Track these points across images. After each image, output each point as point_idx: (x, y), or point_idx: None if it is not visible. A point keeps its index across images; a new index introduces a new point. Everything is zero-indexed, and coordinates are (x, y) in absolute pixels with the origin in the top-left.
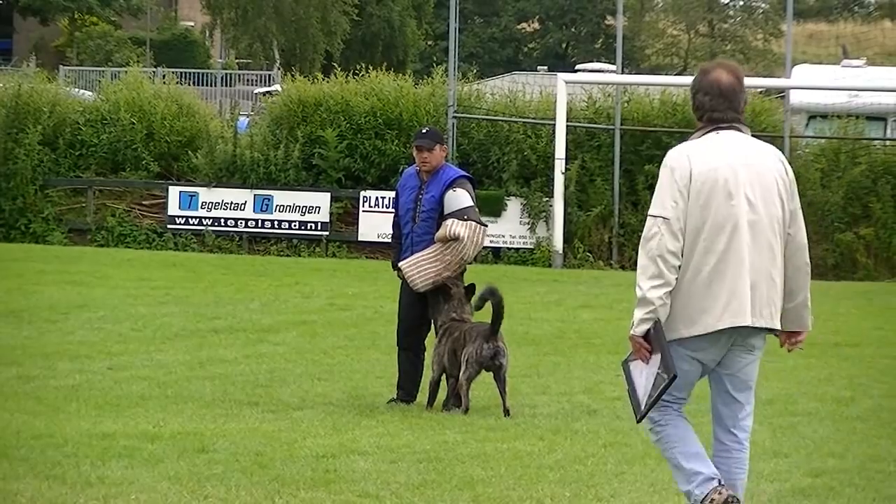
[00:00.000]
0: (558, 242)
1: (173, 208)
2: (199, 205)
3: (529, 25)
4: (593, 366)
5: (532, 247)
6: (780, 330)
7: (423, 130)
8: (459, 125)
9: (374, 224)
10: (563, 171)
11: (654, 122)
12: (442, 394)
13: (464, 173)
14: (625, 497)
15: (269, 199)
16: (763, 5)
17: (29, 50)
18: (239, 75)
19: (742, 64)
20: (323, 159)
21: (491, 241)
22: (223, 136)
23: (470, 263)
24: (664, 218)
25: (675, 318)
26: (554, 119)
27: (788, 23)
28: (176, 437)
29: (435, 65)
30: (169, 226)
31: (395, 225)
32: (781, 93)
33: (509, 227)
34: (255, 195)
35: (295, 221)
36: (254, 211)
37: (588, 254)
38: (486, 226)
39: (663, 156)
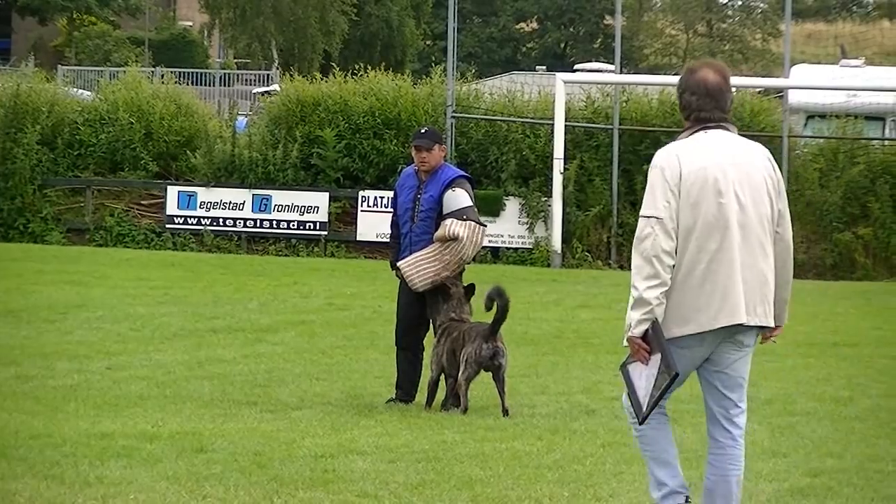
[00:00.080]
0: (557, 242)
1: (172, 208)
2: (198, 204)
3: (528, 25)
4: (592, 366)
5: (531, 246)
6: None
7: (422, 130)
8: (458, 125)
9: (373, 224)
10: (562, 170)
11: (653, 122)
12: (441, 394)
13: (462, 173)
14: (623, 497)
15: (267, 199)
16: (761, 5)
17: (27, 50)
18: (237, 75)
19: (740, 64)
20: (321, 159)
21: (490, 241)
22: (222, 136)
23: (469, 263)
24: (657, 218)
25: (667, 317)
26: (552, 119)
27: (787, 22)
28: (174, 436)
29: (433, 64)
30: (167, 225)
31: (394, 224)
32: (780, 92)
33: (508, 227)
34: (253, 195)
35: (293, 221)
36: (252, 211)
37: (587, 253)
38: (485, 226)
39: None
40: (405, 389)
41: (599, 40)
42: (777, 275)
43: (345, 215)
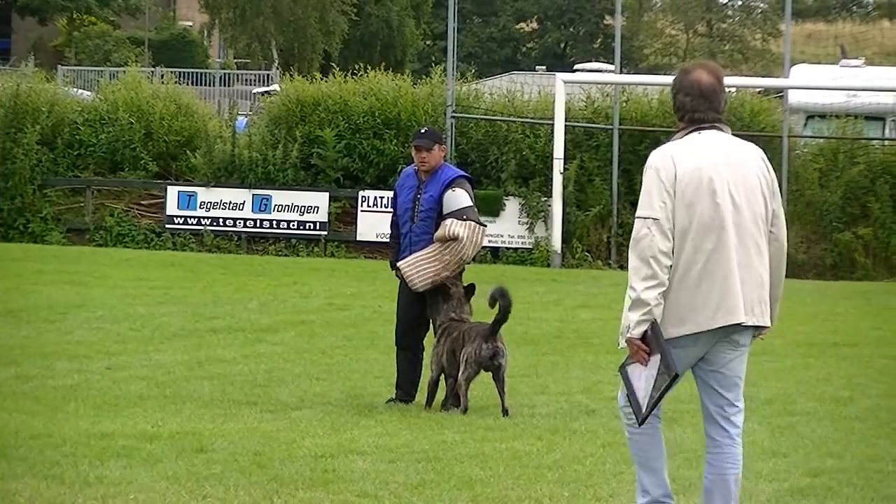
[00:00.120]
0: (557, 242)
1: (172, 208)
2: (198, 204)
3: (528, 25)
4: (592, 365)
5: (531, 246)
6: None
7: (422, 130)
8: (458, 125)
9: (373, 224)
10: (562, 170)
11: (653, 122)
12: (441, 393)
13: (462, 173)
14: (623, 497)
15: (267, 199)
16: (761, 5)
17: (27, 50)
18: (237, 75)
19: (740, 64)
20: (321, 159)
21: (489, 241)
22: (221, 136)
23: (469, 263)
24: (654, 219)
25: (665, 318)
26: (552, 119)
27: (787, 22)
28: (174, 436)
29: (433, 64)
30: (167, 225)
31: (394, 224)
32: (780, 93)
33: (508, 227)
34: (253, 195)
35: (293, 221)
36: (252, 211)
37: (586, 253)
38: (485, 226)
39: None
40: (405, 389)
41: (599, 40)
42: (771, 274)
43: (345, 215)
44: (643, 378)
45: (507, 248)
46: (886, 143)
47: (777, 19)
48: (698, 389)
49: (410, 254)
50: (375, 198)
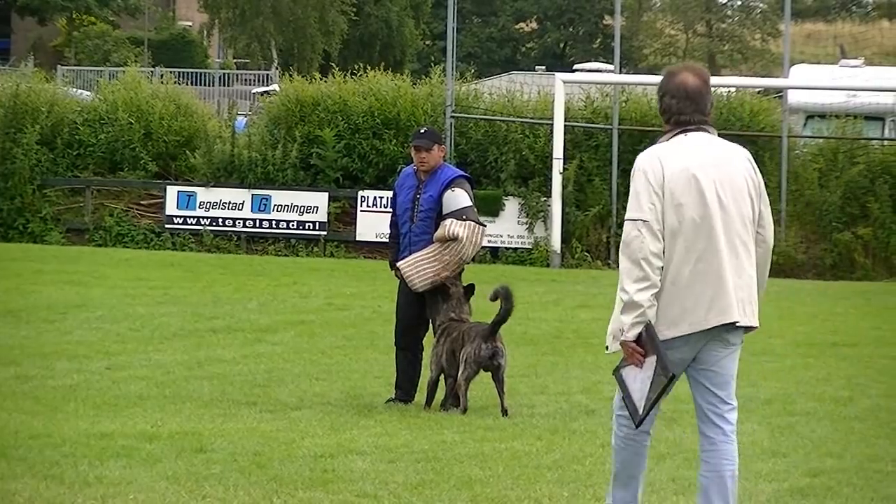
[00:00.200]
0: (556, 242)
1: (171, 208)
2: (197, 204)
3: (527, 25)
4: (591, 366)
5: (530, 246)
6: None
7: (421, 130)
8: (457, 125)
9: (372, 224)
10: (561, 170)
11: (652, 122)
12: (440, 393)
13: (462, 173)
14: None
15: (266, 199)
16: (761, 5)
17: (27, 50)
18: (237, 75)
19: (740, 64)
20: (321, 159)
21: (489, 241)
22: (221, 136)
23: (468, 263)
24: (644, 220)
25: (657, 319)
26: (552, 119)
27: (786, 22)
28: (174, 436)
29: (433, 64)
30: (167, 225)
31: (393, 224)
32: (779, 93)
33: (507, 227)
34: (252, 195)
35: (293, 221)
36: (252, 211)
37: (586, 253)
38: (485, 226)
39: None
40: (404, 389)
41: (599, 40)
42: (758, 276)
43: (344, 215)
44: (639, 380)
45: (507, 248)
46: (886, 143)
47: (776, 19)
48: (691, 389)
49: (410, 254)
50: (375, 198)
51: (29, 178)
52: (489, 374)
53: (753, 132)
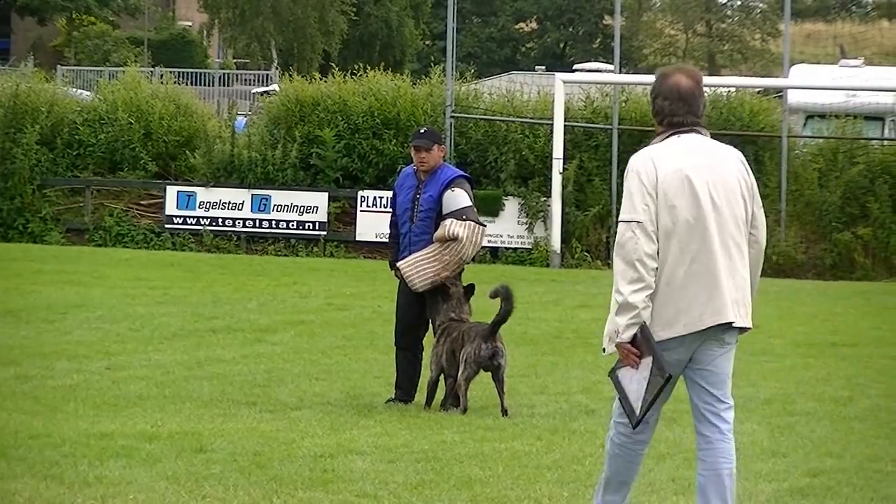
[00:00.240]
0: (556, 242)
1: (171, 208)
2: (197, 204)
3: (527, 25)
4: (591, 365)
5: (530, 246)
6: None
7: (421, 130)
8: (457, 125)
9: (372, 224)
10: (561, 170)
11: (652, 122)
12: (440, 393)
13: (462, 173)
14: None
15: (266, 199)
16: (761, 5)
17: (27, 50)
18: (237, 75)
19: (740, 64)
20: (321, 159)
21: (489, 241)
22: (221, 136)
23: (468, 263)
24: (638, 221)
25: (652, 320)
26: (552, 119)
27: (786, 22)
28: (174, 436)
29: (433, 64)
30: (167, 225)
31: (393, 224)
32: (779, 93)
33: (507, 227)
34: (252, 195)
35: (293, 221)
36: (251, 211)
37: (586, 253)
38: (485, 226)
39: None
40: (404, 389)
41: (599, 40)
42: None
43: (344, 215)
44: (635, 381)
45: (507, 248)
46: (886, 143)
47: (776, 19)
48: (687, 389)
49: (410, 254)
50: (375, 198)
51: (29, 178)
52: (489, 374)
53: (753, 132)
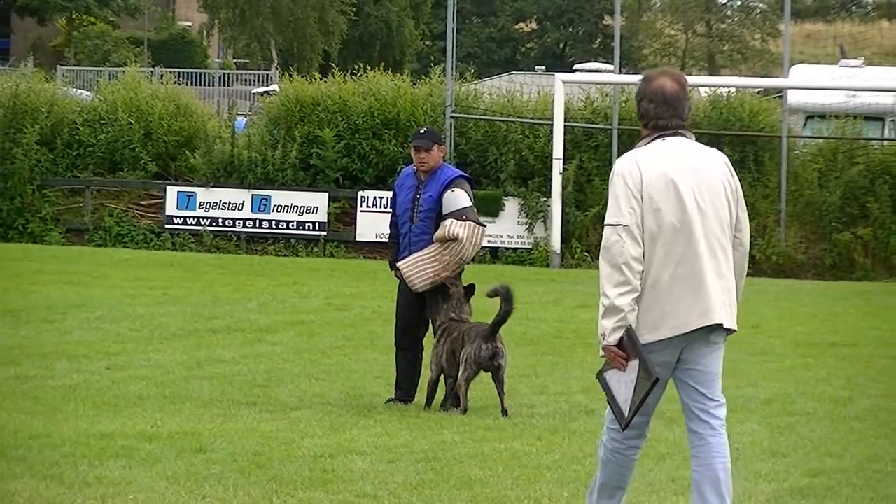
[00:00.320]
0: (556, 242)
1: (171, 208)
2: (197, 205)
3: (527, 25)
4: (591, 366)
5: (530, 247)
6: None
7: (421, 130)
8: (457, 125)
9: (372, 224)
10: (561, 171)
11: None
12: (440, 394)
13: (462, 173)
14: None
15: (266, 199)
16: (761, 5)
17: (27, 50)
18: (236, 75)
19: (740, 64)
20: (320, 159)
21: (489, 241)
22: (221, 136)
23: (468, 263)
24: (623, 225)
25: (638, 323)
26: (552, 119)
27: (786, 23)
28: (174, 436)
29: (432, 65)
30: (167, 226)
31: (393, 225)
32: (779, 93)
33: (507, 227)
34: (252, 195)
35: (293, 221)
36: (251, 211)
37: (586, 254)
38: (485, 226)
39: None
40: (404, 389)
41: (598, 40)
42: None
43: (344, 215)
44: (622, 384)
45: (507, 249)
46: (886, 143)
47: (776, 19)
48: (677, 389)
49: (410, 254)
50: (375, 198)
51: (29, 178)
52: (489, 374)
53: (753, 132)
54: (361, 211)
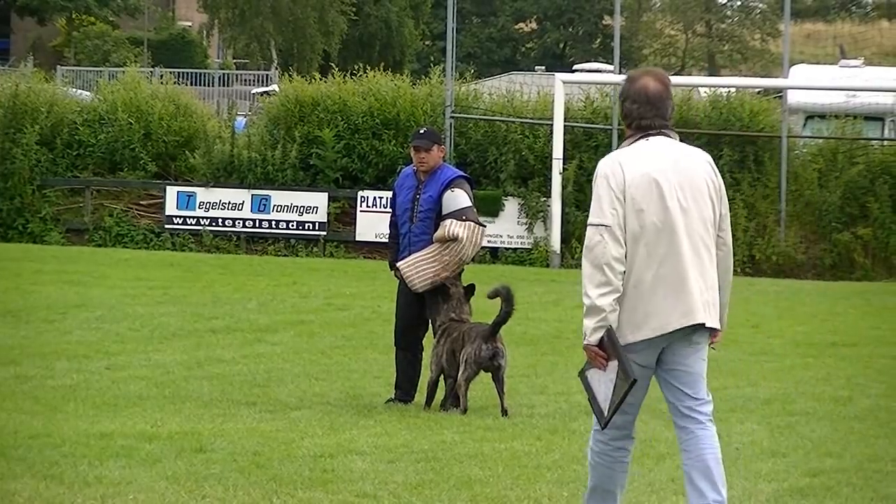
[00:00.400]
0: (556, 242)
1: (171, 208)
2: (197, 205)
3: (527, 25)
4: None
5: (530, 247)
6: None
7: (421, 131)
8: (457, 125)
9: (372, 224)
10: (561, 171)
11: None
12: (440, 394)
13: (461, 173)
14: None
15: (266, 199)
16: (760, 5)
17: (26, 50)
18: (236, 75)
19: (740, 64)
20: (320, 159)
21: (489, 241)
22: (220, 136)
23: (468, 264)
24: (605, 225)
25: (621, 323)
26: (551, 119)
27: (786, 23)
28: (174, 436)
29: (432, 65)
30: (166, 226)
31: (393, 225)
32: (779, 93)
33: (507, 227)
34: (252, 195)
35: (292, 221)
36: (251, 211)
37: None
38: (485, 226)
39: None
40: (404, 389)
41: (598, 40)
42: (718, 277)
43: (344, 215)
44: (603, 383)
45: (507, 249)
46: (885, 143)
47: (776, 19)
48: (662, 389)
49: (409, 254)
50: (374, 198)
51: (28, 179)
52: (489, 374)
53: (753, 132)
54: (361, 211)
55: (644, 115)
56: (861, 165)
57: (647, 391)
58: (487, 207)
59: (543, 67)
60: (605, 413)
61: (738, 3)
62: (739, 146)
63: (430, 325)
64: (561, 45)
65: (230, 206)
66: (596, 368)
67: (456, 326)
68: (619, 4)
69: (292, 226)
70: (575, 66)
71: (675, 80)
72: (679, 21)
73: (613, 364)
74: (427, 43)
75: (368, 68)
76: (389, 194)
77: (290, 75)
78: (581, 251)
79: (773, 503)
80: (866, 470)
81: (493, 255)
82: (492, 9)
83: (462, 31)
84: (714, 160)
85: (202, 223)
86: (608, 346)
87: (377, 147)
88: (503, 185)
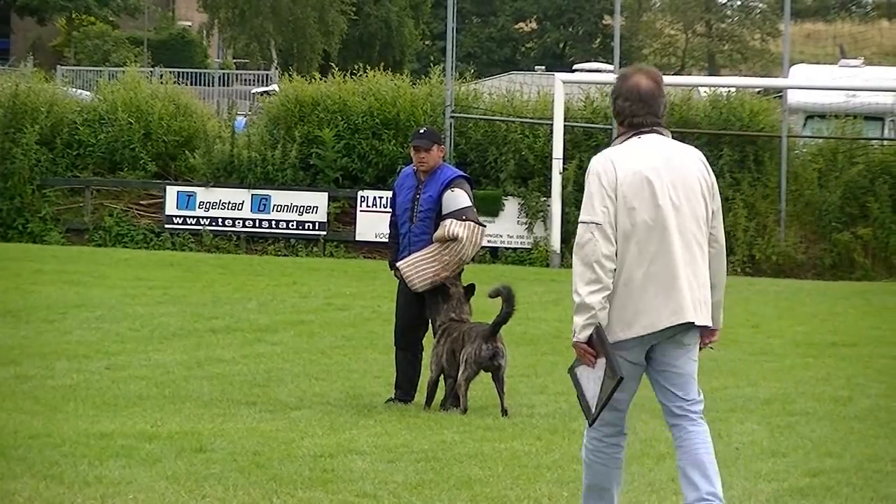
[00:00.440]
0: (556, 242)
1: (171, 208)
2: (197, 204)
3: (527, 25)
4: None
5: (530, 246)
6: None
7: (421, 130)
8: (457, 125)
9: (372, 224)
10: (561, 170)
11: None
12: (440, 394)
13: (461, 173)
14: (622, 496)
15: (266, 199)
16: (760, 5)
17: (26, 50)
18: (236, 75)
19: (740, 64)
20: (320, 159)
21: (489, 241)
22: (220, 136)
23: (468, 263)
24: (596, 223)
25: (612, 321)
26: (551, 119)
27: (786, 22)
28: (174, 436)
29: (432, 64)
30: (166, 225)
31: (392, 225)
32: (779, 93)
33: (507, 227)
34: (252, 195)
35: (292, 221)
36: (251, 211)
37: None
38: (485, 226)
39: None
40: (404, 389)
41: (598, 40)
42: (712, 275)
43: (344, 215)
44: (591, 380)
45: (507, 248)
46: (885, 142)
47: (776, 19)
48: (654, 391)
49: (409, 254)
50: (374, 198)
51: (28, 178)
52: (489, 374)
53: (753, 132)
54: (361, 211)
55: (636, 113)
56: (861, 165)
57: (638, 388)
58: (487, 207)
59: (543, 67)
60: (593, 410)
61: (738, 2)
62: (739, 146)
63: (430, 325)
64: (561, 45)
65: (230, 205)
66: (585, 365)
67: (456, 326)
68: (619, 4)
69: (292, 226)
70: (575, 66)
71: (675, 79)
72: (679, 21)
73: (602, 361)
74: (427, 43)
75: (368, 68)
76: (389, 194)
77: (290, 75)
78: None
79: (773, 503)
80: (866, 470)
81: (493, 254)
82: (492, 9)
83: (462, 31)
84: (714, 160)
85: (202, 223)
86: (597, 344)
87: (377, 147)
88: (503, 185)
